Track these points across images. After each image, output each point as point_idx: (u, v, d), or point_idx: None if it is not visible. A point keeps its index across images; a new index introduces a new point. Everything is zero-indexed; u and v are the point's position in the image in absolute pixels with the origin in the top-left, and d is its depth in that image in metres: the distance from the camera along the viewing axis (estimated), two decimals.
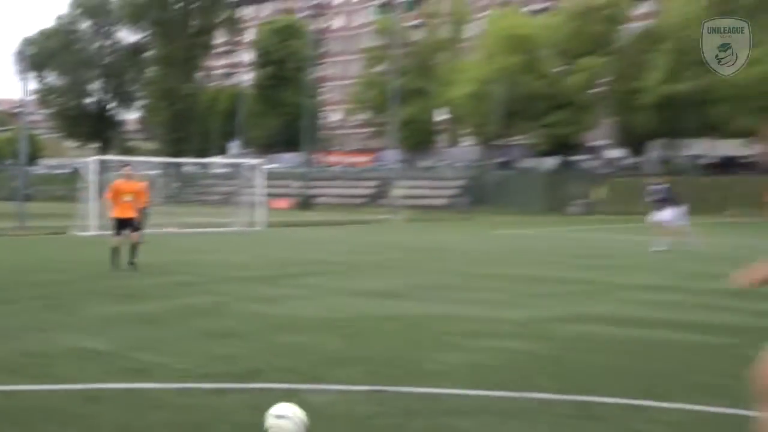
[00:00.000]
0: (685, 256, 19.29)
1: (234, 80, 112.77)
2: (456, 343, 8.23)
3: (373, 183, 69.80)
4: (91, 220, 27.07)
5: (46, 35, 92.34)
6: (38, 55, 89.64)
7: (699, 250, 20.26)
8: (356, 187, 68.60)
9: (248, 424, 5.20)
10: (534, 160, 67.72)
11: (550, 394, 4.83)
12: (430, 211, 55.16)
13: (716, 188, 52.98)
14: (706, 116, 59.82)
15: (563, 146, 66.02)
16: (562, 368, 6.99)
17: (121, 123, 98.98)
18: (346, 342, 8.27)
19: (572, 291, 12.78)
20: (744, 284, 4.15)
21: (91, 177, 28.82)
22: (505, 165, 70.18)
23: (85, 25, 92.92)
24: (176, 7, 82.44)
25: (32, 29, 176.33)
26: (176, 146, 78.91)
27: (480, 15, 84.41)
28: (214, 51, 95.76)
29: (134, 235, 15.37)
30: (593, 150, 70.89)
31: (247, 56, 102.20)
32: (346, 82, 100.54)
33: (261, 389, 6.15)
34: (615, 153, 70.07)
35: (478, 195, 60.24)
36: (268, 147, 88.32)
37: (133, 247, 15.24)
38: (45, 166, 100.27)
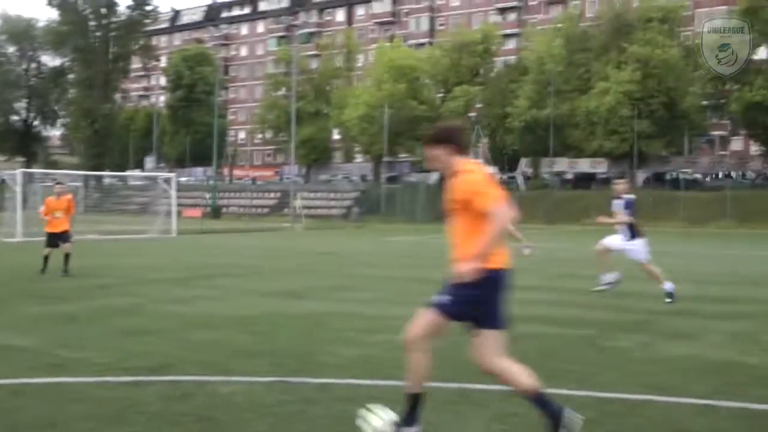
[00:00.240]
0: (547, 258, 19.77)
1: (149, 101, 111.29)
2: (352, 338, 8.20)
3: (275, 195, 69.33)
4: (18, 227, 26.21)
5: None
6: None
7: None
8: (261, 198, 68.00)
9: (162, 414, 5.06)
10: (419, 175, 68.46)
11: (435, 383, 4.86)
12: (327, 220, 55.17)
13: (575, 200, 54.66)
14: (566, 138, 61.91)
15: None
16: (445, 359, 7.02)
17: (45, 139, 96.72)
18: (254, 338, 8.12)
19: None
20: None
21: (18, 188, 28.15)
22: (393, 179, 70.82)
23: (11, 49, 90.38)
24: (96, 34, 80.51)
25: None
26: (97, 160, 76.93)
27: (369, 47, 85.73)
28: (131, 75, 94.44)
29: (66, 246, 14.88)
30: None
31: (162, 80, 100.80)
32: (251, 104, 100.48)
33: (173, 381, 5.99)
34: (489, 169, 71.43)
35: (370, 206, 60.54)
36: (180, 162, 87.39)
37: (66, 257, 14.74)
38: None
